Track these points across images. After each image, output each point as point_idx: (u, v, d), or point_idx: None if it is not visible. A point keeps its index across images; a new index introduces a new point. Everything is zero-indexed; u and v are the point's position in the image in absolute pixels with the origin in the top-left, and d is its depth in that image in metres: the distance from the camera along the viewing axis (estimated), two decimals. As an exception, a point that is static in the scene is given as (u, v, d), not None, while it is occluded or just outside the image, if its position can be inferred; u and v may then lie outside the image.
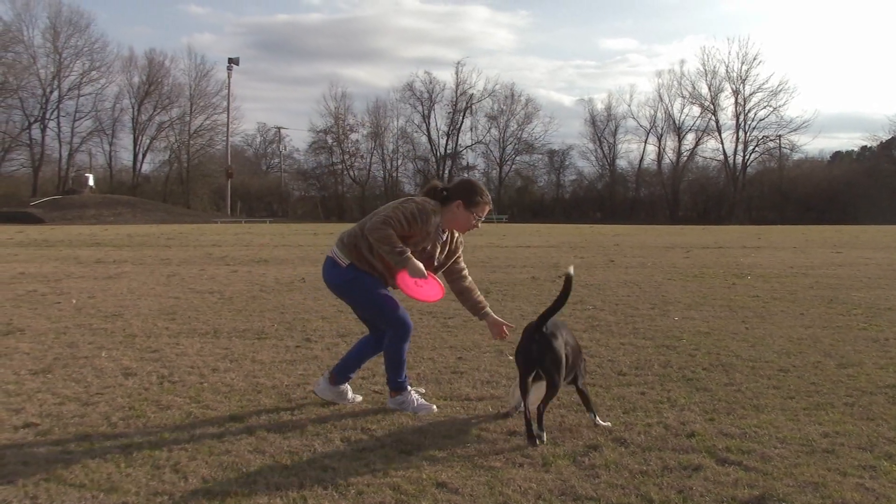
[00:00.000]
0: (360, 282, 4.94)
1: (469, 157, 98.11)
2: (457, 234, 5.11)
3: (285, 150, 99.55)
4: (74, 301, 10.34)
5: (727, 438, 4.35)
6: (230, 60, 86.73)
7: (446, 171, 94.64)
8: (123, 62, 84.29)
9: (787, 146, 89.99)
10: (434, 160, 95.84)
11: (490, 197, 5.03)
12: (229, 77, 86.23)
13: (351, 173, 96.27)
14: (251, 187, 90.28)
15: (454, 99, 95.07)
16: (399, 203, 4.81)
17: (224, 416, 4.81)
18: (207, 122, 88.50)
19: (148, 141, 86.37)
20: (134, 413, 4.85)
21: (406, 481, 3.69)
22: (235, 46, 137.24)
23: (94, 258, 18.97)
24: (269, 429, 4.54)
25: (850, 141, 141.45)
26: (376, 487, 3.61)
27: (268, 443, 4.29)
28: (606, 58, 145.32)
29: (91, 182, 77.45)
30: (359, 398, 5.23)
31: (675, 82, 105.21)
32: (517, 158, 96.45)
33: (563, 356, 4.39)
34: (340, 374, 5.12)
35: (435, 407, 4.98)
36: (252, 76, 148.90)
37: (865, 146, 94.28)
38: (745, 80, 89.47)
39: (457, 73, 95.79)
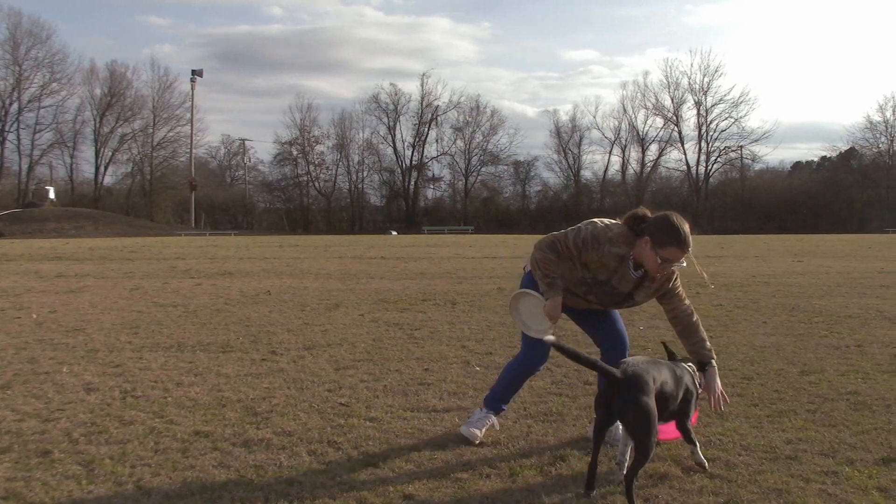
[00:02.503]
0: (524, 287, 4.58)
1: (435, 169, 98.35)
2: (664, 277, 4.34)
3: (250, 161, 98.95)
4: (35, 316, 10.17)
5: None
6: (194, 72, 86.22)
7: (411, 183, 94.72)
8: (84, 74, 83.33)
9: (749, 157, 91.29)
10: (400, 171, 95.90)
11: (687, 239, 4.06)
12: (193, 89, 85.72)
13: (316, 185, 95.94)
14: (215, 199, 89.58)
15: (420, 110, 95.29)
16: (582, 224, 4.33)
17: (188, 430, 4.75)
18: (171, 133, 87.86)
19: (110, 153, 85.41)
20: (96, 429, 4.78)
21: (373, 494, 3.67)
22: (197, 58, 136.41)
23: (55, 272, 18.69)
24: (234, 443, 4.49)
25: (809, 151, 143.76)
26: (342, 500, 3.59)
27: (233, 457, 4.25)
28: (569, 69, 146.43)
29: (52, 195, 76.40)
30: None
31: (638, 94, 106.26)
32: (483, 170, 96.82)
33: (653, 410, 3.58)
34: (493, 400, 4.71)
35: (478, 437, 4.52)
36: (214, 88, 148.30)
37: (825, 156, 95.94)
38: (706, 91, 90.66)
39: (422, 85, 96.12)
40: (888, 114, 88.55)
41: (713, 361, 4.28)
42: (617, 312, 4.69)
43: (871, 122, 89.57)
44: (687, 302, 4.45)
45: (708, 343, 4.36)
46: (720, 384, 4.28)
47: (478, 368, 6.64)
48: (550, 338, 3.79)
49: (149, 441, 4.55)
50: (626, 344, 4.68)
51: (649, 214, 4.23)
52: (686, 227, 4.08)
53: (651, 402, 3.56)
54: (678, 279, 4.38)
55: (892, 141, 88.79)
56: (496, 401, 4.67)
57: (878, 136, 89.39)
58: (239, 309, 10.98)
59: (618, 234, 4.21)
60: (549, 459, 4.18)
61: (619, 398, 3.56)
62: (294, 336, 8.41)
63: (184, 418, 5.05)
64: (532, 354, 4.59)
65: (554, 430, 4.76)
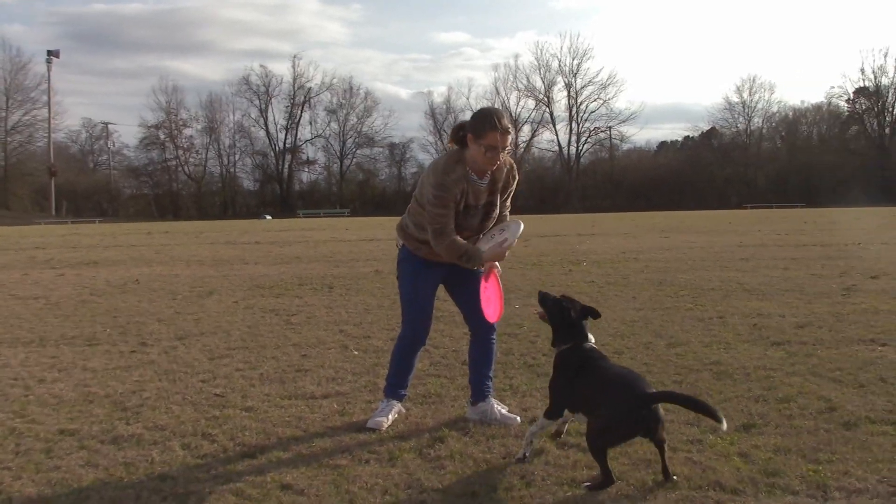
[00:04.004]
0: (402, 266, 4.64)
1: (309, 151, 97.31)
2: (505, 171, 4.44)
3: (114, 146, 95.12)
4: None
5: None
6: (49, 52, 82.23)
7: (285, 166, 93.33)
8: (-71, 54, 78.06)
9: (617, 137, 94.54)
10: (273, 154, 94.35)
11: (502, 121, 4.19)
12: (49, 70, 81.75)
13: (186, 169, 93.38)
14: (77, 186, 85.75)
15: (292, 92, 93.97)
16: (427, 185, 4.30)
17: (52, 429, 4.53)
18: (26, 117, 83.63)
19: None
20: (-51, 432, 4.49)
21: (249, 485, 3.60)
22: (49, 37, 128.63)
23: None
24: (103, 440, 4.32)
25: (672, 131, 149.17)
26: (218, 494, 3.51)
27: (101, 455, 4.08)
28: (441, 51, 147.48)
29: None
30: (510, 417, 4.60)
31: (510, 76, 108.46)
32: (358, 152, 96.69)
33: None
34: (474, 391, 4.68)
35: (384, 424, 4.46)
36: (71, 69, 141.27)
37: (688, 136, 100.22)
38: (576, 73, 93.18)
39: (293, 67, 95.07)
40: (745, 95, 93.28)
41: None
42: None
43: (729, 103, 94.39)
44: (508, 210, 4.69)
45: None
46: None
47: (356, 353, 6.61)
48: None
49: (9, 443, 4.31)
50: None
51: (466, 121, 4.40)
52: (499, 113, 4.26)
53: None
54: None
55: (749, 121, 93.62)
56: (393, 387, 4.66)
57: (736, 116, 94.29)
58: (105, 300, 10.55)
59: (447, 160, 4.35)
60: (428, 441, 4.20)
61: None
62: (165, 326, 8.15)
63: (47, 417, 4.81)
64: (411, 327, 4.60)
65: (432, 412, 4.78)
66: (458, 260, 4.33)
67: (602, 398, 3.61)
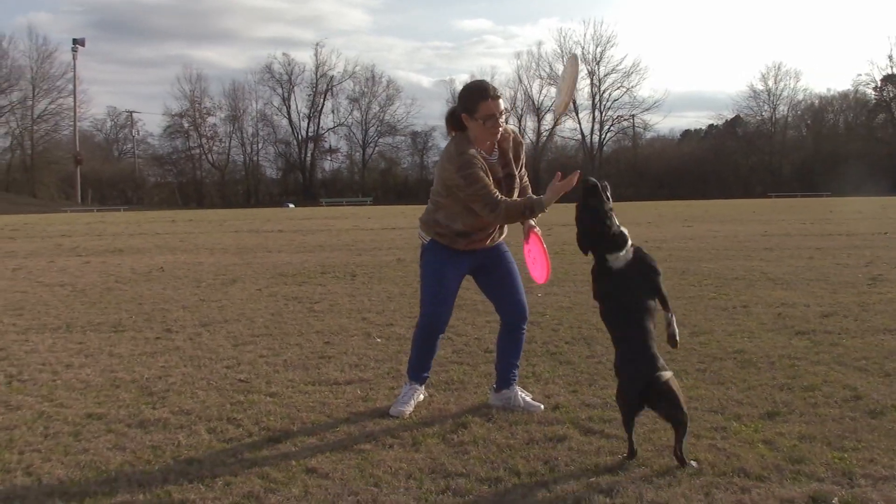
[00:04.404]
0: (427, 256, 4.57)
1: (332, 140, 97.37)
2: (510, 140, 4.47)
3: (138, 134, 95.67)
4: None
5: (589, 409, 4.49)
6: (75, 41, 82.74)
7: (308, 154, 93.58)
8: (-44, 43, 78.88)
9: (641, 125, 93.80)
10: (296, 143, 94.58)
11: (489, 88, 4.25)
12: (75, 59, 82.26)
13: (209, 158, 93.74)
14: (103, 174, 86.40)
15: (314, 81, 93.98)
16: (449, 174, 4.29)
17: (80, 413, 4.59)
18: (52, 106, 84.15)
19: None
20: (-20, 416, 4.56)
21: (275, 469, 3.63)
22: (74, 26, 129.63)
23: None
24: (130, 424, 4.37)
25: (696, 120, 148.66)
26: (244, 477, 3.54)
27: (128, 438, 4.13)
28: (462, 39, 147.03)
29: (-76, 171, 72.27)
30: (535, 404, 4.57)
31: (533, 64, 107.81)
32: (380, 140, 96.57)
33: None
34: (500, 379, 4.65)
35: (406, 413, 4.48)
36: (96, 58, 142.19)
37: (712, 124, 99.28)
38: (599, 61, 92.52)
39: (316, 55, 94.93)
40: (770, 82, 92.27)
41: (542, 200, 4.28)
42: (519, 280, 4.69)
43: (754, 91, 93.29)
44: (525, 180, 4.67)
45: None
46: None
47: (378, 340, 6.64)
48: None
49: (38, 426, 4.37)
50: (526, 312, 4.72)
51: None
52: (483, 83, 4.31)
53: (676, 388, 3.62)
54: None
55: (774, 109, 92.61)
56: (415, 370, 4.65)
57: (761, 104, 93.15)
58: (131, 287, 10.65)
59: (457, 144, 4.34)
60: (451, 427, 4.21)
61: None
62: (190, 313, 8.22)
63: (75, 401, 4.87)
64: (431, 315, 4.57)
65: (455, 398, 4.80)
66: (523, 217, 4.34)
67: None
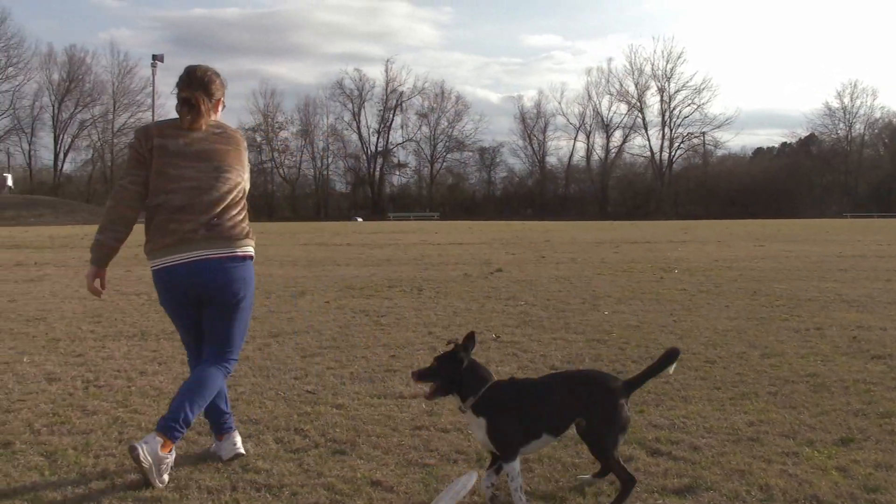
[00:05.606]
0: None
1: (400, 155, 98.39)
2: None
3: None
4: (-6, 305, 10.00)
5: (656, 430, 4.44)
6: (154, 57, 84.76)
7: (377, 169, 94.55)
8: (42, 59, 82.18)
9: (711, 143, 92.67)
10: (365, 158, 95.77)
11: (183, 76, 4.01)
12: (154, 74, 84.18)
13: (281, 171, 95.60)
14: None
15: (384, 96, 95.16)
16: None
17: (153, 419, 4.69)
18: (132, 120, 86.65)
19: (69, 139, 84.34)
20: (58, 419, 4.71)
21: (340, 481, 3.67)
22: (153, 41, 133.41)
23: (14, 261, 18.38)
24: (200, 431, 4.46)
25: (769, 138, 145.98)
26: (310, 488, 3.58)
27: (198, 445, 4.22)
28: (531, 54, 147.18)
29: (10, 182, 75.06)
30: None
31: (602, 80, 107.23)
32: (448, 156, 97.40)
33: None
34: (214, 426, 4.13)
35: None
36: (172, 72, 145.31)
37: (785, 142, 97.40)
38: (669, 78, 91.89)
39: (386, 71, 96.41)
40: (846, 100, 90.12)
41: None
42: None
43: (829, 109, 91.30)
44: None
45: None
46: None
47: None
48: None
49: (112, 431, 4.50)
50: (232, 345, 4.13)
51: None
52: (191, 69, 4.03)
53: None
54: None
55: (850, 127, 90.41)
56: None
57: (836, 122, 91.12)
58: (203, 297, 10.86)
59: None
60: (516, 444, 4.19)
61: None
62: (259, 324, 8.36)
63: (148, 407, 5.00)
64: None
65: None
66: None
67: (585, 401, 3.38)
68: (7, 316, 9.09)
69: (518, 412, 3.37)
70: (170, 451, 3.59)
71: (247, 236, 4.06)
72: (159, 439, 3.54)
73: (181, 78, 3.99)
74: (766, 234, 32.35)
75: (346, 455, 4.07)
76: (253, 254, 4.14)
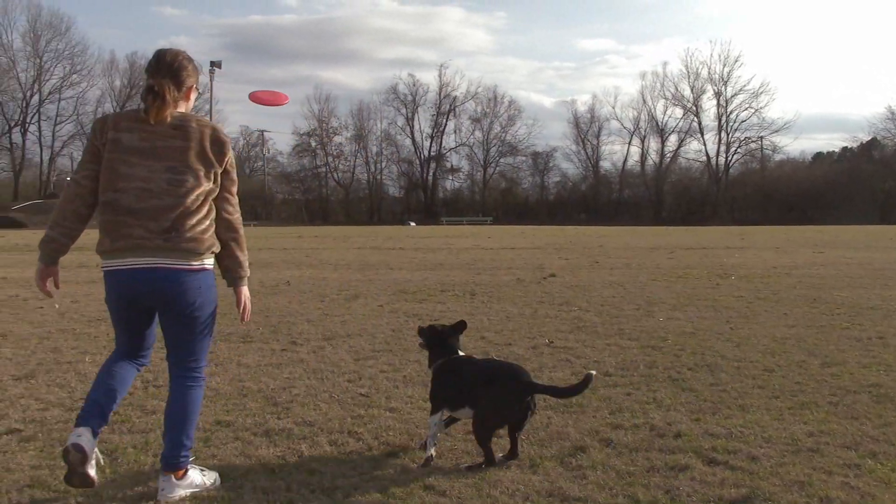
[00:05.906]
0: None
1: (453, 160, 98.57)
2: None
3: (269, 153, 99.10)
4: (57, 306, 10.26)
5: (713, 438, 4.37)
6: (212, 63, 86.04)
7: (430, 174, 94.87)
8: (104, 66, 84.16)
9: (769, 147, 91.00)
10: (418, 162, 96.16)
11: (150, 62, 3.61)
12: (211, 80, 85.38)
13: (335, 176, 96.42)
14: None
15: (438, 101, 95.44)
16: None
17: (210, 420, 4.78)
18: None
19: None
20: (119, 418, 4.81)
21: (394, 484, 3.68)
22: (211, 48, 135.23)
23: (77, 262, 18.83)
24: (256, 433, 4.52)
25: (829, 142, 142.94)
26: (364, 490, 3.60)
27: (254, 447, 4.27)
28: (585, 59, 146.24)
29: (70, 187, 76.88)
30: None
31: (657, 84, 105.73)
32: (501, 160, 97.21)
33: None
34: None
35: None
36: (229, 78, 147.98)
37: (846, 147, 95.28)
38: (726, 81, 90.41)
39: (440, 76, 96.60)
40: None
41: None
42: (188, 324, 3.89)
43: (892, 113, 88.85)
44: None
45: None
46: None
47: (497, 360, 6.63)
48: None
49: (171, 430, 4.57)
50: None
51: None
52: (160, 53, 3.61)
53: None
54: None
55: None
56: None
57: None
58: (259, 299, 11.01)
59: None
60: (570, 450, 4.17)
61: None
62: (314, 326, 8.44)
63: (205, 408, 5.05)
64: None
65: (574, 420, 4.75)
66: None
67: (487, 390, 4.02)
68: (70, 316, 9.32)
69: (445, 381, 4.23)
70: (184, 475, 3.59)
71: (208, 251, 3.67)
72: (170, 476, 3.56)
73: (149, 63, 3.60)
74: (826, 240, 31.67)
75: (399, 458, 4.09)
76: (211, 267, 3.78)
